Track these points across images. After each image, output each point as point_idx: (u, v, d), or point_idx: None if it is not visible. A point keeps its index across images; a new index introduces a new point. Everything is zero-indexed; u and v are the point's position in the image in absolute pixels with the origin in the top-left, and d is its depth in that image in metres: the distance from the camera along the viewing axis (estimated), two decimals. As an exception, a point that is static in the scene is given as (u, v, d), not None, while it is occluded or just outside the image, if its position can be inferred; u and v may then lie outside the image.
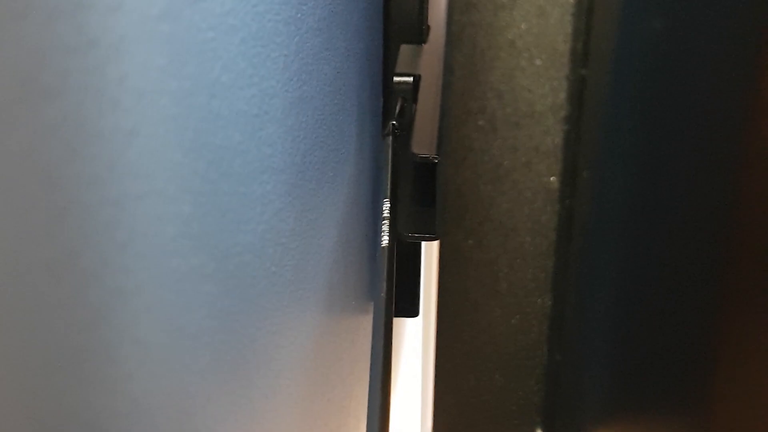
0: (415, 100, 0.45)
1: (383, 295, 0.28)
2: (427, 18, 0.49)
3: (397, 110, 0.44)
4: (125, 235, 0.19)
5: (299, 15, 0.31)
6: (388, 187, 0.36)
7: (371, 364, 0.28)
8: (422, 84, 0.45)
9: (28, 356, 0.16)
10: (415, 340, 0.65)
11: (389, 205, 0.35)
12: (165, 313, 0.22)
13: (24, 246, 0.16)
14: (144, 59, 0.19)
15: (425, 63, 0.47)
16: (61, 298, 0.17)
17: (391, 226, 0.34)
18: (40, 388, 0.17)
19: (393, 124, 0.42)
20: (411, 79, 0.45)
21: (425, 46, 0.48)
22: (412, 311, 0.53)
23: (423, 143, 0.41)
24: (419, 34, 0.48)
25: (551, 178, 0.49)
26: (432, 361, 0.56)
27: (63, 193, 0.16)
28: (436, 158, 0.40)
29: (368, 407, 0.25)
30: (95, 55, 0.17)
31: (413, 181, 0.42)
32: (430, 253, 0.55)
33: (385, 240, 0.32)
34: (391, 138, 0.42)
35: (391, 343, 0.27)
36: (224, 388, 0.26)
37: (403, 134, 0.43)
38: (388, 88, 0.49)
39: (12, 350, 0.16)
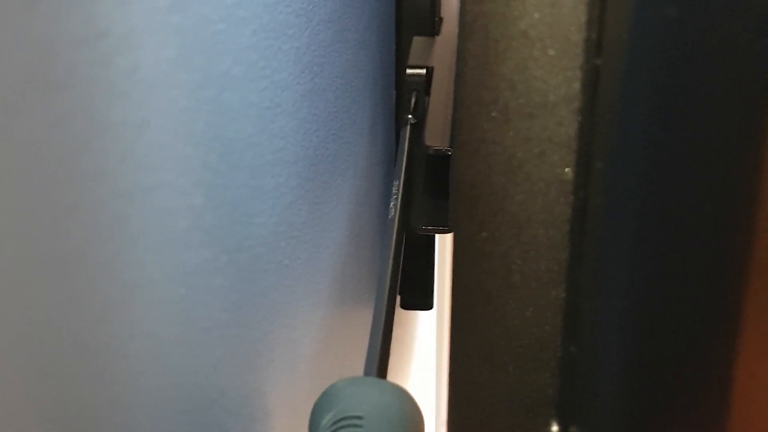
0: (427, 92, 0.44)
1: (389, 272, 0.28)
2: (439, 9, 0.49)
3: (412, 104, 0.43)
4: (136, 228, 0.19)
5: (311, 6, 0.31)
6: (402, 178, 0.36)
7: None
8: (435, 76, 0.45)
9: (39, 351, 0.16)
10: (429, 333, 0.65)
11: (402, 195, 0.35)
12: (177, 306, 0.21)
13: (34, 240, 0.15)
14: (154, 51, 0.19)
15: (438, 55, 0.46)
16: (72, 293, 0.17)
17: (402, 215, 0.33)
18: (52, 384, 0.17)
19: (408, 117, 0.42)
20: (424, 71, 0.44)
21: (438, 38, 0.48)
22: (426, 304, 0.53)
23: (436, 135, 0.41)
24: (432, 25, 0.48)
25: (565, 170, 0.49)
26: (446, 353, 0.56)
27: (73, 186, 0.16)
28: (449, 150, 0.40)
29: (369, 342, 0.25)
30: (105, 46, 0.17)
31: (426, 174, 0.42)
32: (443, 245, 0.55)
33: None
34: (405, 130, 0.42)
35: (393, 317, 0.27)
36: (237, 381, 0.26)
37: (417, 126, 0.43)
38: (400, 81, 0.49)
39: (23, 345, 0.16)
